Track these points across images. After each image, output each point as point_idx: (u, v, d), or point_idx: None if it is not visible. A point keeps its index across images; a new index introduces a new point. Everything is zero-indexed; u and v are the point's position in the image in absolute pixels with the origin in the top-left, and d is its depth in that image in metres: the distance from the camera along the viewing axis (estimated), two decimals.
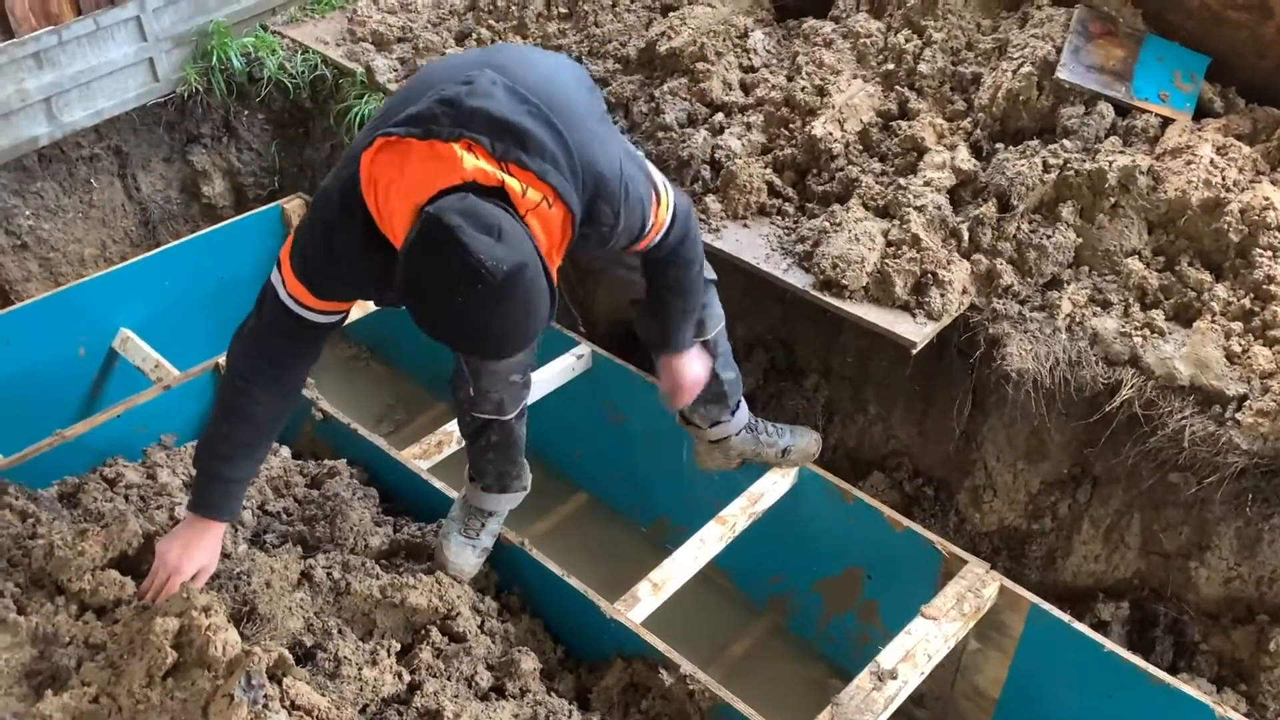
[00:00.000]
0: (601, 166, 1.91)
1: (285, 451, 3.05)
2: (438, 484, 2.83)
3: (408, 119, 1.83)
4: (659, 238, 2.14)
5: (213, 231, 3.87)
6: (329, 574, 2.46)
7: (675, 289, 2.30)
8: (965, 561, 2.66)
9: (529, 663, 2.41)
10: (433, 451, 3.00)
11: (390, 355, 4.28)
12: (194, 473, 2.25)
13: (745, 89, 3.60)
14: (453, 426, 3.06)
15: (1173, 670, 2.72)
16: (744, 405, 2.85)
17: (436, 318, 1.74)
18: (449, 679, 2.31)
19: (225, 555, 2.48)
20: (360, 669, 2.22)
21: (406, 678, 2.28)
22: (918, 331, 2.85)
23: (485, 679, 2.35)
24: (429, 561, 2.63)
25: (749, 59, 3.67)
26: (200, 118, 4.13)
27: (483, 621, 2.51)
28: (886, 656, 2.45)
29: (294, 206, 4.02)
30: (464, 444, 2.70)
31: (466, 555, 2.61)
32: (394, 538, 2.70)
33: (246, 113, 4.20)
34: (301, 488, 2.90)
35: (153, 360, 3.51)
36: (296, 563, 2.46)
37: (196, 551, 2.20)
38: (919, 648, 2.47)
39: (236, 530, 2.62)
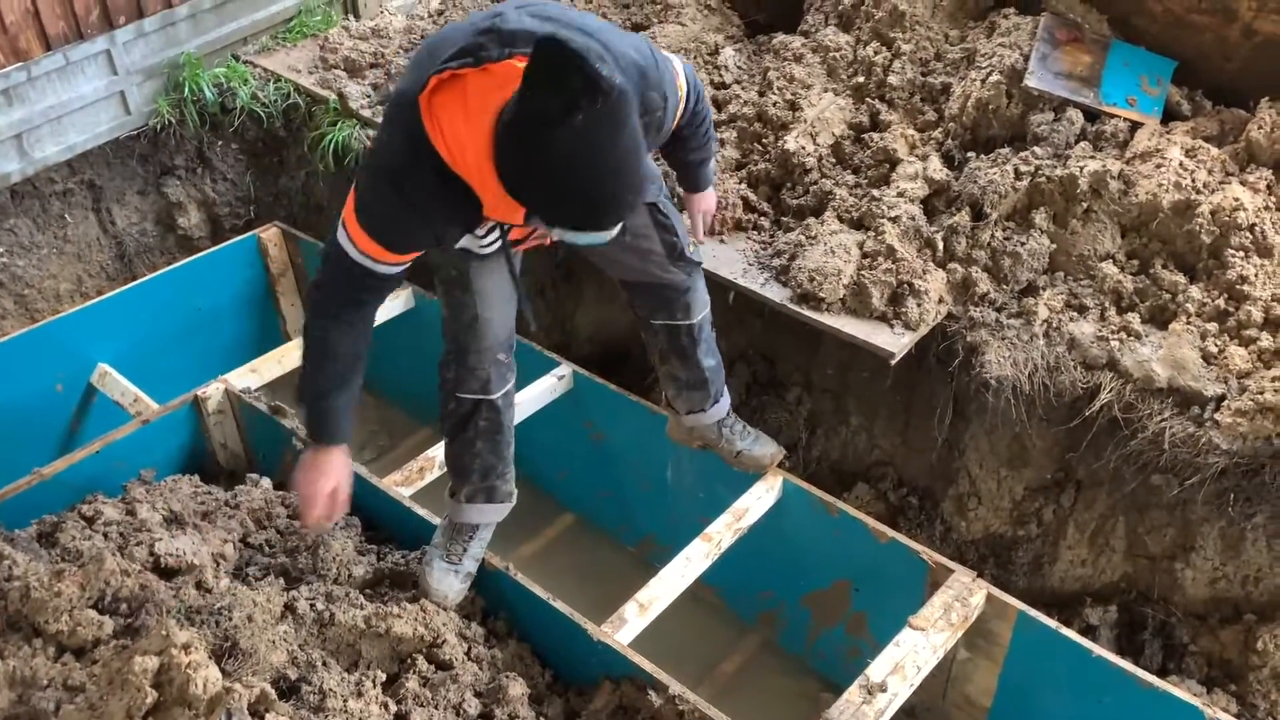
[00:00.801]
0: (636, 57, 2.04)
1: (266, 482, 3.03)
2: (420, 511, 2.81)
3: (452, 57, 1.90)
4: (688, 104, 2.30)
5: (189, 263, 3.86)
6: (312, 605, 2.44)
7: (700, 145, 2.49)
8: (952, 571, 2.66)
9: (517, 688, 2.39)
10: (415, 478, 2.99)
11: (372, 381, 4.21)
12: (306, 411, 2.35)
13: (717, 105, 3.61)
14: (434, 452, 3.05)
15: (1162, 672, 2.73)
16: (725, 399, 2.87)
17: (555, 156, 1.73)
18: (436, 708, 2.29)
19: (207, 590, 2.46)
20: (345, 701, 2.20)
21: (393, 708, 2.26)
22: (896, 342, 2.86)
23: (473, 706, 2.33)
24: (413, 589, 2.61)
25: (720, 75, 3.68)
26: (174, 149, 4.11)
27: (469, 648, 2.50)
28: (876, 669, 2.44)
29: (270, 235, 4.01)
30: (445, 463, 2.69)
31: (450, 581, 2.59)
32: (378, 566, 2.69)
33: (220, 143, 4.18)
34: (284, 519, 2.88)
35: (131, 394, 3.49)
36: (279, 595, 2.44)
37: (325, 476, 2.31)
38: (908, 659, 2.47)
39: (218, 564, 2.60)
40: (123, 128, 3.95)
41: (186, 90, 3.98)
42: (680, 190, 2.78)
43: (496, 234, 2.21)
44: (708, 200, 2.78)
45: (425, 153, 1.93)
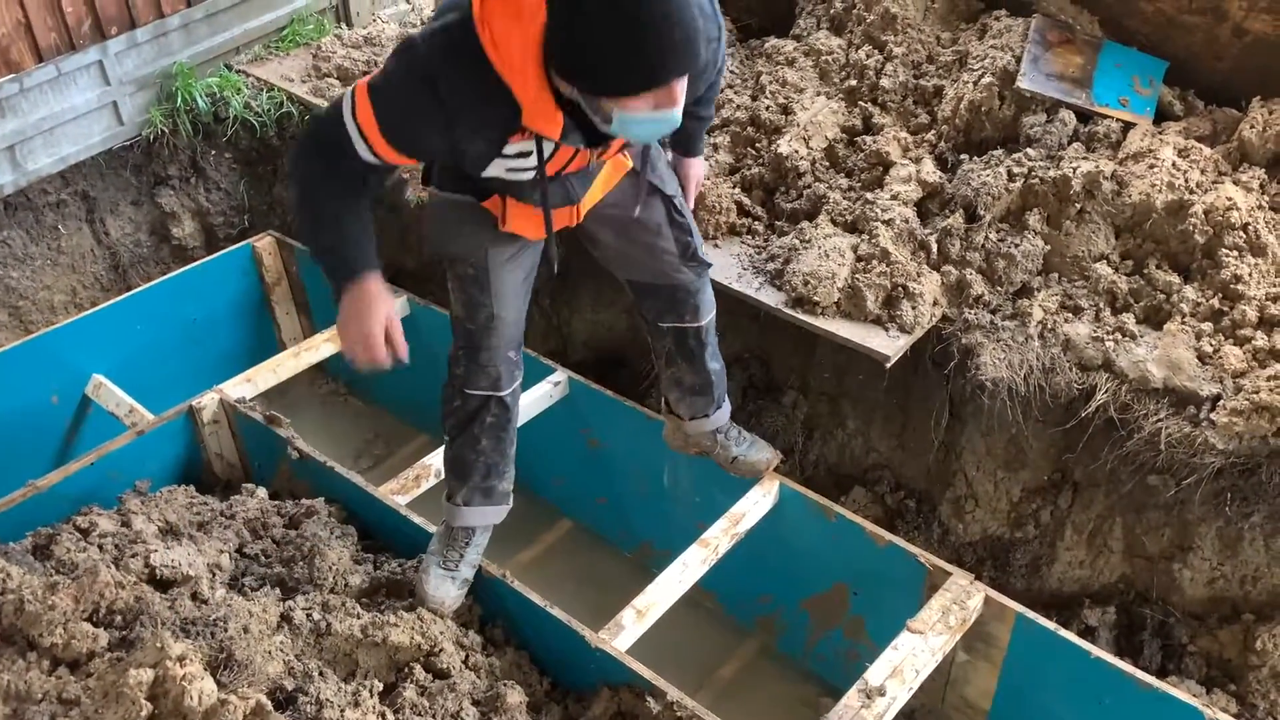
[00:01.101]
0: None
1: (262, 492, 3.03)
2: (417, 519, 2.80)
3: None
4: (721, 54, 2.28)
5: (184, 273, 3.86)
6: (309, 615, 2.43)
7: (710, 100, 2.49)
8: (949, 573, 2.65)
9: (515, 696, 2.38)
10: (411, 486, 2.98)
11: (368, 389, 4.26)
12: (321, 264, 2.23)
13: None
14: (431, 459, 3.04)
15: (1162, 673, 2.72)
16: (726, 405, 2.88)
17: None
18: (434, 717, 2.29)
19: (203, 601, 2.45)
20: (343, 711, 2.19)
21: (390, 718, 2.25)
22: (891, 345, 2.85)
23: (471, 715, 2.33)
24: (410, 598, 2.60)
25: None
26: (167, 159, 4.11)
27: (467, 656, 2.49)
28: (874, 673, 2.43)
29: (265, 244, 4.01)
30: (445, 464, 2.67)
31: (447, 588, 2.58)
32: (374, 575, 2.68)
33: (213, 152, 4.18)
34: (279, 528, 2.87)
35: (126, 405, 3.48)
36: (275, 605, 2.43)
37: (369, 313, 2.16)
38: (906, 663, 2.46)
39: (214, 574, 2.59)
40: (116, 138, 3.95)
41: (179, 100, 3.98)
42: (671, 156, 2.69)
43: (533, 158, 2.06)
44: (699, 167, 2.76)
45: (469, 50, 1.87)
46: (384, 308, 2.17)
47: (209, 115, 4.05)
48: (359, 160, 2.03)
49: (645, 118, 1.83)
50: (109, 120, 3.90)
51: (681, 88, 1.82)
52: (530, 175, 2.09)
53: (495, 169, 2.07)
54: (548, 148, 2.05)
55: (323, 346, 3.54)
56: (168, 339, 3.85)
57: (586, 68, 1.79)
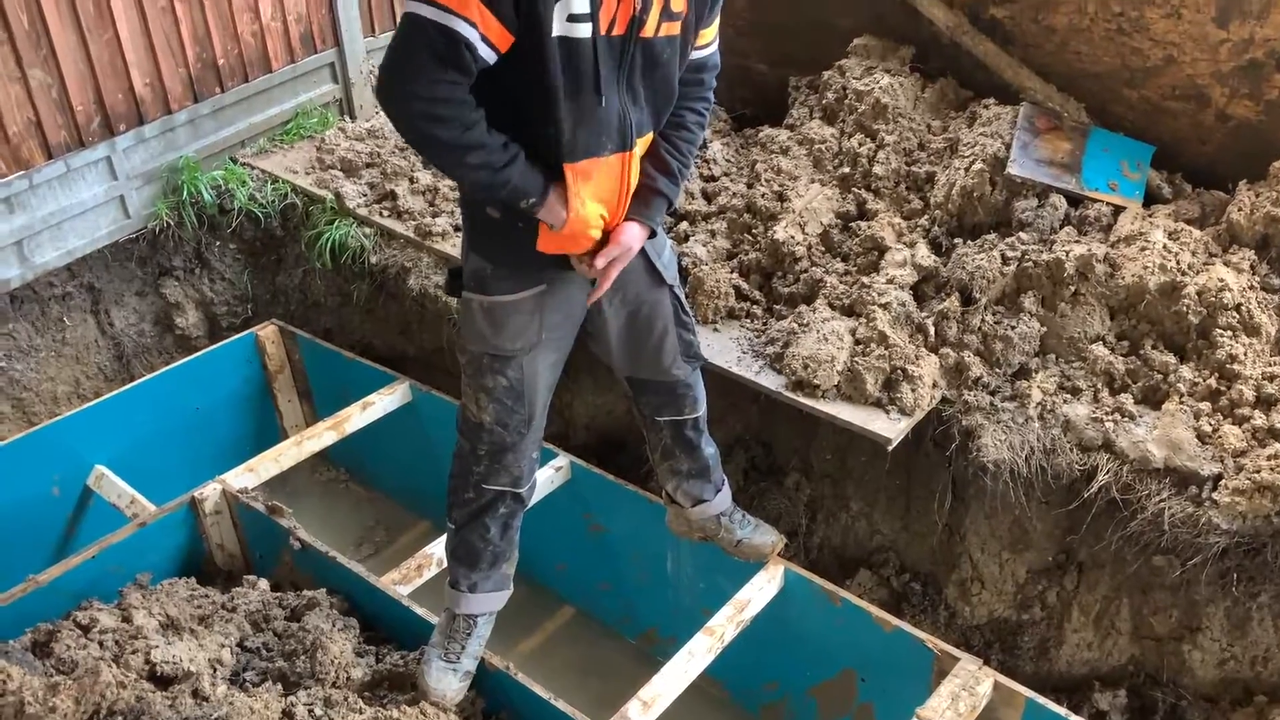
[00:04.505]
0: None
1: (264, 584, 3.01)
2: (419, 610, 2.78)
3: None
4: (713, 45, 2.32)
5: (187, 363, 3.89)
6: (311, 711, 2.40)
7: (687, 135, 2.36)
8: (958, 659, 2.63)
9: None
10: (413, 575, 2.96)
11: (369, 476, 4.26)
12: (509, 196, 2.14)
13: (707, 197, 3.68)
14: (432, 549, 3.03)
15: None
16: (726, 489, 2.89)
17: None
18: None
19: (204, 698, 2.42)
20: None
21: None
22: (892, 428, 2.87)
23: None
24: (413, 691, 2.57)
25: (709, 169, 3.76)
26: (172, 250, 4.17)
27: None
28: None
29: (268, 333, 4.04)
30: (448, 551, 2.65)
31: (449, 680, 2.56)
32: (376, 668, 2.65)
33: (218, 243, 4.24)
34: (281, 621, 2.85)
35: (128, 496, 3.48)
36: (277, 701, 2.40)
37: (566, 209, 2.15)
38: None
39: (215, 670, 2.56)
40: (122, 231, 4.01)
41: (185, 193, 4.05)
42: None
43: (585, 2, 1.99)
44: (634, 235, 2.32)
45: None
46: (571, 207, 2.16)
47: (214, 207, 4.12)
48: (464, 44, 1.94)
49: None
50: (115, 213, 3.97)
51: None
52: (588, 30, 2.03)
53: (559, 22, 1.99)
54: None
55: (325, 434, 3.55)
56: (170, 428, 3.86)
57: None
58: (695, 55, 2.29)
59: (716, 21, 2.30)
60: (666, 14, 2.11)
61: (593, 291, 2.37)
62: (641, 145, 2.27)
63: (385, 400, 3.67)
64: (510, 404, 2.44)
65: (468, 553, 2.60)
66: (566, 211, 2.17)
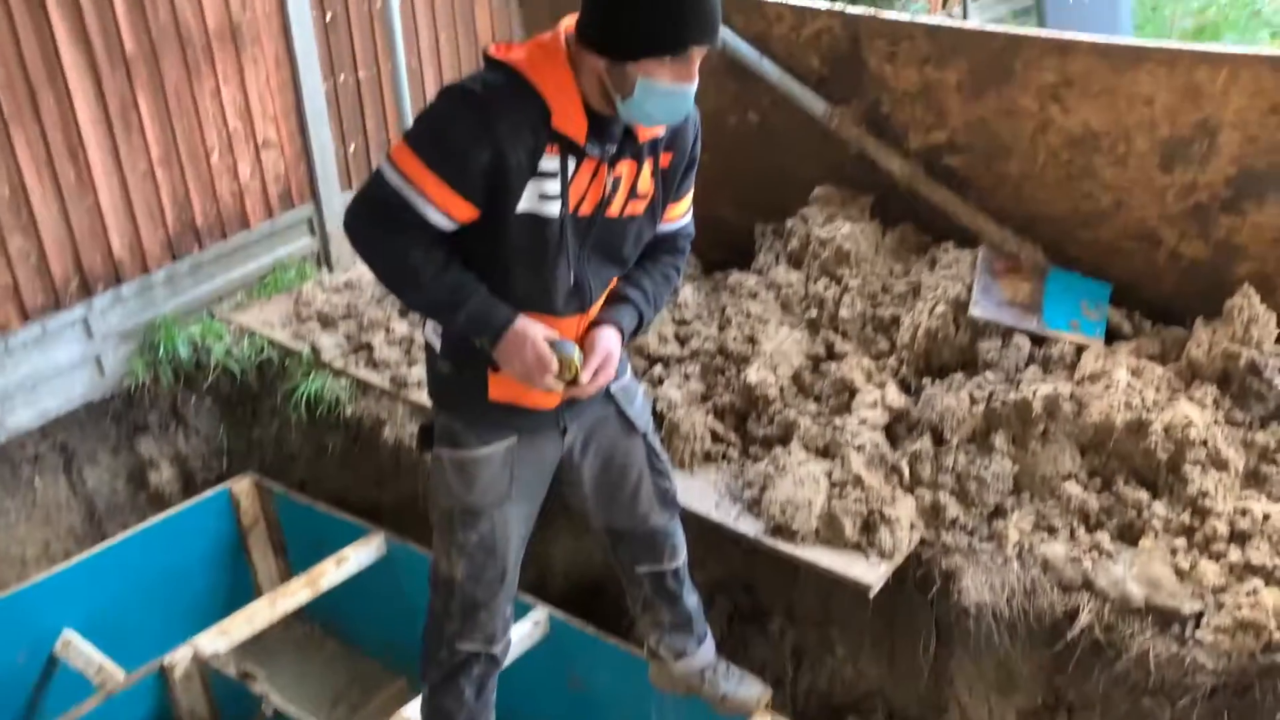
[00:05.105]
0: None
1: None
2: None
3: None
4: (685, 218, 2.41)
5: (160, 522, 3.84)
6: None
7: (659, 274, 2.40)
8: None
9: None
10: None
11: (345, 631, 4.17)
12: (461, 333, 2.20)
13: (680, 340, 3.74)
14: (409, 710, 2.95)
15: None
16: (710, 641, 2.85)
17: None
18: None
19: None
20: None
21: None
22: (872, 572, 2.85)
23: None
24: None
25: (681, 313, 3.82)
26: (147, 408, 4.16)
27: None
28: None
29: (243, 487, 4.01)
30: (425, 709, 2.60)
31: None
32: None
33: (194, 398, 4.24)
34: None
35: (95, 664, 3.39)
36: None
37: (529, 346, 2.13)
38: None
39: None
40: (97, 390, 4.01)
41: (161, 350, 4.07)
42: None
43: (558, 181, 2.07)
44: (613, 341, 2.30)
45: (500, 67, 2.03)
46: (537, 337, 2.14)
47: (190, 363, 4.14)
48: (418, 215, 2.03)
49: (665, 89, 1.98)
50: (91, 373, 3.98)
51: (696, 66, 2.00)
52: (556, 209, 2.09)
53: (528, 199, 2.06)
54: (571, 167, 2.08)
55: (299, 592, 3.49)
56: (142, 589, 3.79)
57: (621, 29, 1.95)
58: (666, 228, 2.36)
59: (689, 197, 2.37)
60: (633, 194, 2.19)
61: (583, 387, 2.28)
62: (597, 307, 2.32)
63: (360, 554, 3.63)
64: (482, 559, 2.42)
65: (442, 716, 2.55)
66: (518, 362, 2.16)
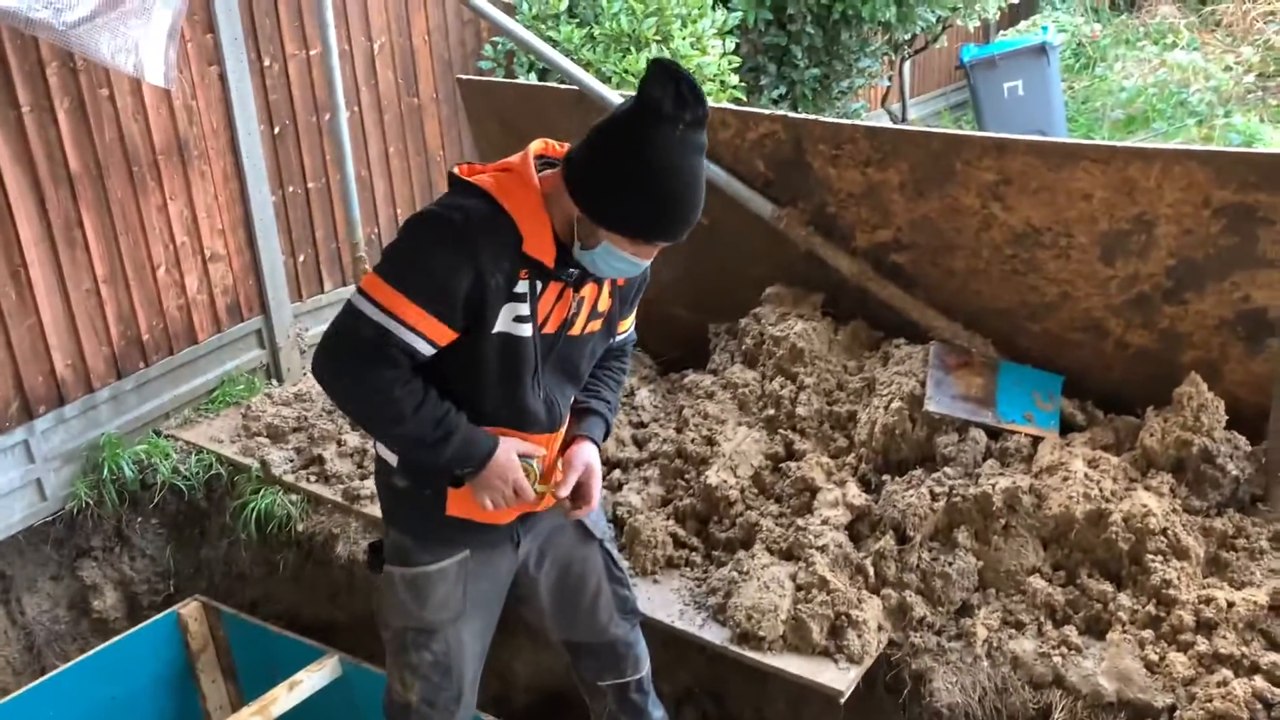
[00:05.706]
0: None
1: None
2: None
3: None
4: (631, 327, 2.51)
5: (103, 650, 3.68)
6: None
7: (613, 380, 2.52)
8: None
9: None
10: None
11: None
12: (440, 465, 2.21)
13: (638, 444, 3.71)
14: None
15: None
16: None
17: (657, 150, 1.93)
18: None
19: None
20: None
21: None
22: (842, 678, 2.80)
23: None
24: None
25: (638, 415, 3.80)
26: (90, 530, 4.03)
27: None
28: None
29: (190, 610, 3.87)
30: None
31: None
32: None
33: (139, 519, 4.12)
34: None
35: None
36: None
37: (506, 472, 2.20)
38: None
39: None
40: (38, 515, 3.88)
41: (105, 470, 3.96)
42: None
43: (526, 304, 2.13)
44: (595, 455, 2.44)
45: (474, 192, 2.08)
46: (513, 461, 2.22)
47: (136, 483, 4.03)
48: (398, 342, 2.04)
49: (623, 256, 2.07)
50: (32, 497, 3.85)
51: (656, 251, 2.11)
52: (529, 329, 2.15)
53: (503, 320, 2.11)
54: (539, 288, 2.14)
55: None
56: None
57: (605, 200, 2.01)
58: (615, 340, 2.44)
59: (634, 313, 2.48)
60: (593, 314, 2.26)
61: (573, 510, 2.41)
62: (564, 424, 2.37)
63: (314, 678, 3.49)
64: (438, 680, 2.37)
65: None
66: (498, 489, 2.23)
